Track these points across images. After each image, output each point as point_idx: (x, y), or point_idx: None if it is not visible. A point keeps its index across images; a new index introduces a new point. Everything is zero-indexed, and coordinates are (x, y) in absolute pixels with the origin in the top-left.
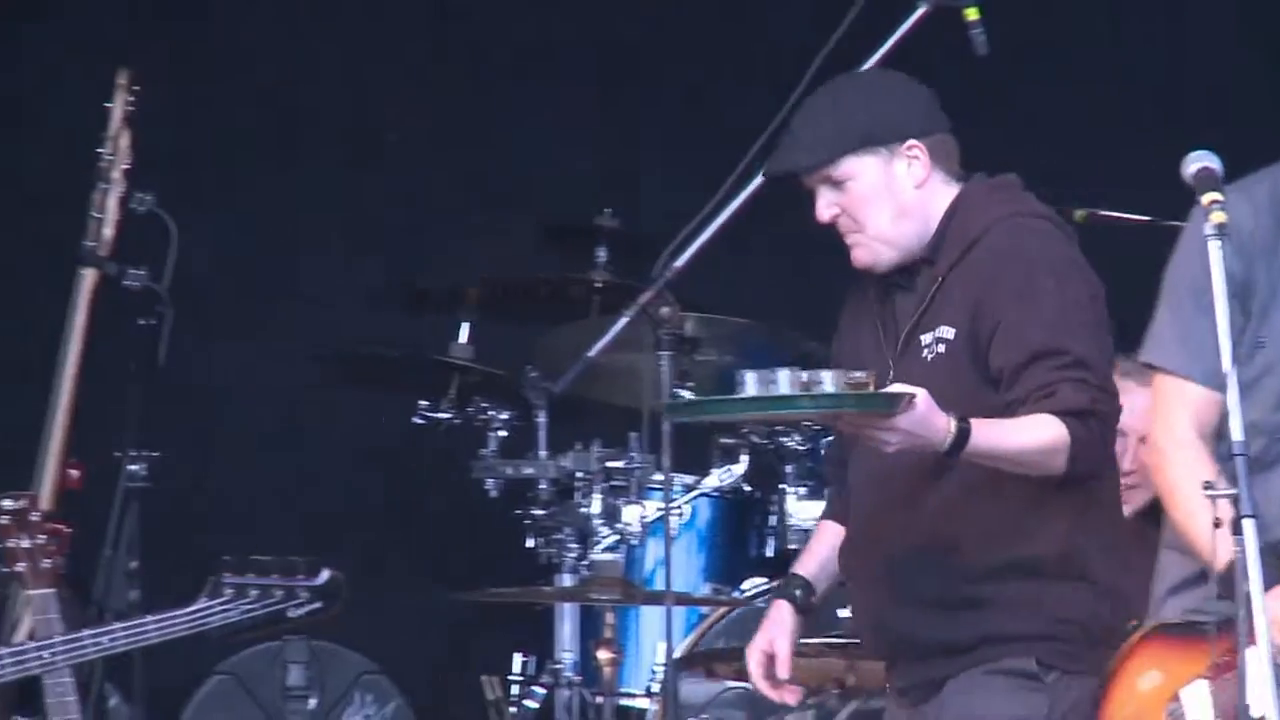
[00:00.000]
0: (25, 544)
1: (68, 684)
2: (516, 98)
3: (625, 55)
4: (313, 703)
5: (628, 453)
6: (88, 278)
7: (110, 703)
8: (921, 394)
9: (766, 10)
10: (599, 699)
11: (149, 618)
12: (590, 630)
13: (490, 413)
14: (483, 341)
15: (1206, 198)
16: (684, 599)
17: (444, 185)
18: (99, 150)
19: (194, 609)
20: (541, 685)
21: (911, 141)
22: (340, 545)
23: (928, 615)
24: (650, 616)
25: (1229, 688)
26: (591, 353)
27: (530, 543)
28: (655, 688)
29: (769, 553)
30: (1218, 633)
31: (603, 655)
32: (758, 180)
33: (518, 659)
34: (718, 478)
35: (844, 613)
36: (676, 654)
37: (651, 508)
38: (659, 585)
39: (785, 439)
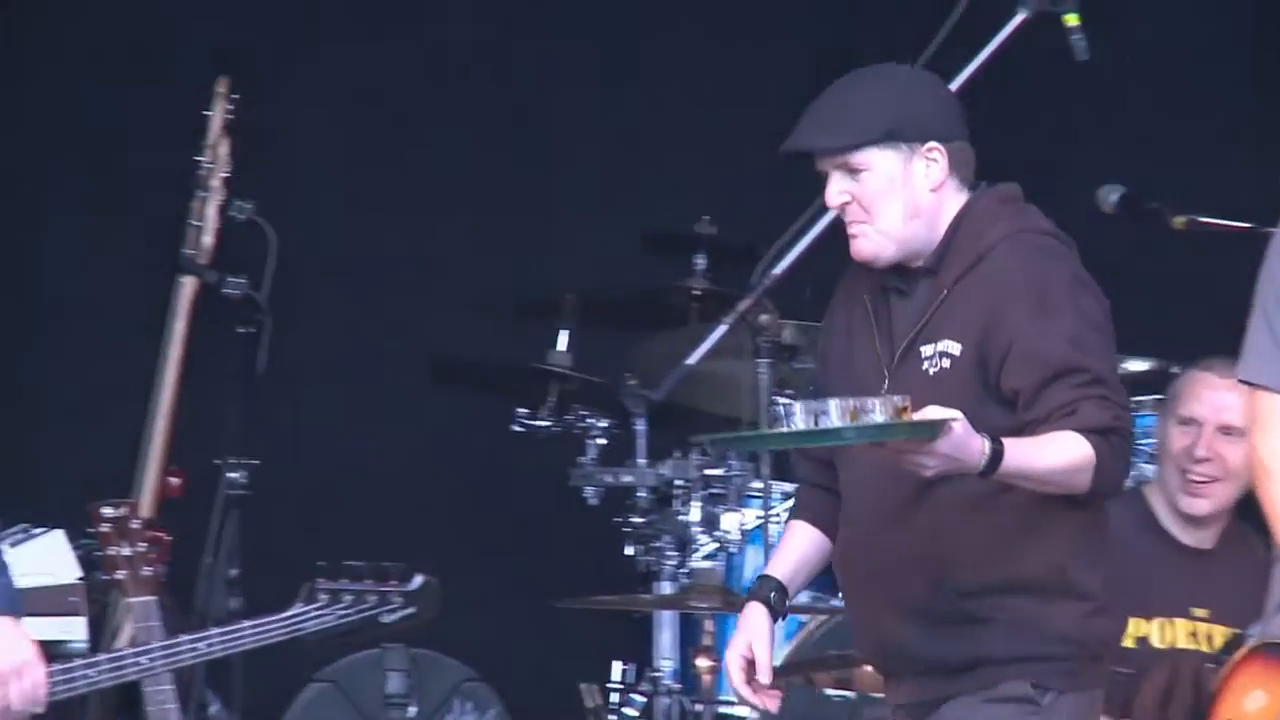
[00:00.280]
0: (126, 552)
1: (168, 691)
2: (615, 103)
3: (726, 64)
4: (412, 710)
5: (726, 460)
6: (187, 286)
7: (210, 710)
8: (959, 417)
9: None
10: (698, 707)
11: (245, 623)
12: (689, 638)
13: (589, 420)
14: (581, 349)
15: None
16: None
17: (544, 193)
18: (198, 158)
19: (288, 614)
20: (641, 693)
21: (933, 143)
22: (439, 552)
23: (923, 631)
24: None
25: None
26: (690, 360)
27: (629, 550)
28: None
29: None
30: None
31: (702, 663)
32: None
33: (617, 667)
34: None
35: None
36: (777, 663)
37: (750, 515)
38: None
39: None
